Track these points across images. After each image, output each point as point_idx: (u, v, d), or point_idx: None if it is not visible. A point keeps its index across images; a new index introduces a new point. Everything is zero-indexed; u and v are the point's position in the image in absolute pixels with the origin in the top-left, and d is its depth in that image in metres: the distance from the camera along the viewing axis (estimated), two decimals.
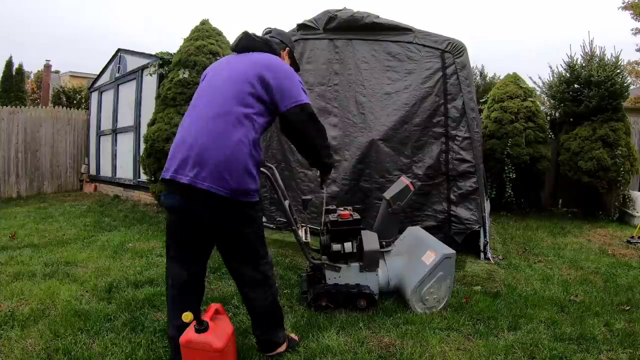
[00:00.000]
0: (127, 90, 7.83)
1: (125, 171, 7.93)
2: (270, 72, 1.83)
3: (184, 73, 5.84)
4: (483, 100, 7.39)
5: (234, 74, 1.85)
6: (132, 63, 7.73)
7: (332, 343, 2.18)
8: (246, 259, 1.92)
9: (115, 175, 8.29)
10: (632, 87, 8.15)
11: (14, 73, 14.35)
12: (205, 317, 1.83)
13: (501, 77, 8.66)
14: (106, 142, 8.65)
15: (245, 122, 1.75)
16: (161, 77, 6.59)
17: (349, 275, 2.68)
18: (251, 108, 1.78)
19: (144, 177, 6.78)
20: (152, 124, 6.13)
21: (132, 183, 7.66)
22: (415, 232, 3.11)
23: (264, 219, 4.63)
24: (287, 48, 2.18)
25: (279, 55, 2.03)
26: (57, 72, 25.52)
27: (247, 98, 1.78)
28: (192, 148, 1.73)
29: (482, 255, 3.78)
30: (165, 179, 1.79)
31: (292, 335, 2.22)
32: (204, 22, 6.42)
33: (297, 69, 2.11)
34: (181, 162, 1.74)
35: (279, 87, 1.81)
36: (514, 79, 6.91)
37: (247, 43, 1.98)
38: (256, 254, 1.93)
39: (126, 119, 7.80)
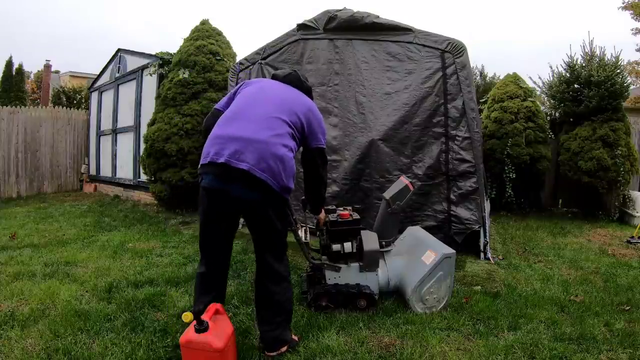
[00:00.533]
0: (127, 90, 7.83)
1: (125, 171, 7.93)
2: (312, 114, 2.15)
3: (184, 73, 5.85)
4: (483, 100, 7.39)
5: (289, 97, 2.14)
6: (132, 63, 7.73)
7: (332, 343, 2.18)
8: (275, 252, 2.09)
9: (115, 175, 8.30)
10: (632, 87, 8.15)
11: (14, 73, 14.37)
12: (205, 317, 1.83)
13: (501, 77, 8.65)
14: (106, 142, 8.65)
15: (290, 139, 2.02)
16: (161, 77, 6.60)
17: (348, 275, 2.68)
18: (293, 130, 2.05)
19: (144, 177, 6.78)
20: (152, 124, 6.14)
21: (132, 183, 7.66)
22: (415, 232, 3.11)
23: None
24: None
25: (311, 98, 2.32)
26: (57, 72, 25.55)
27: (293, 122, 2.05)
28: (250, 142, 1.90)
29: (482, 255, 3.78)
30: (218, 162, 1.90)
31: (293, 335, 2.22)
32: (204, 22, 6.43)
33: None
34: (235, 152, 1.89)
35: (312, 127, 2.13)
36: (514, 79, 6.91)
37: (296, 81, 2.27)
38: (283, 248, 2.13)
39: (126, 119, 7.80)
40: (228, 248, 2.17)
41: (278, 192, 1.94)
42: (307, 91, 2.30)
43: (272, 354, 2.06)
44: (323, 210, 2.58)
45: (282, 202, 2.03)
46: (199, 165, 2.03)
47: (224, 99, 2.27)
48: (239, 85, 2.30)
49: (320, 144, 2.16)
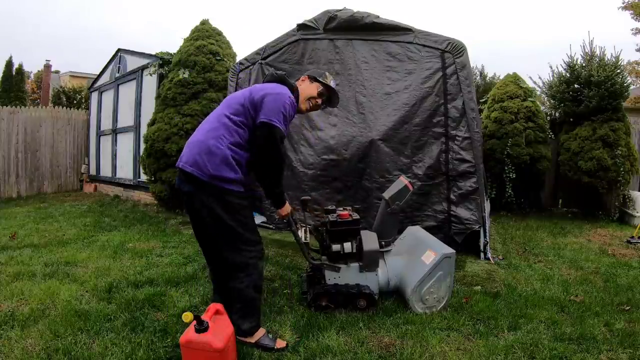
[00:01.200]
0: (127, 90, 7.83)
1: (125, 171, 7.93)
2: (263, 91, 2.16)
3: (184, 73, 5.84)
4: (483, 100, 7.39)
5: (240, 93, 2.24)
6: (132, 63, 7.73)
7: (332, 343, 2.18)
8: (226, 241, 2.12)
9: (115, 175, 8.30)
10: (632, 87, 8.14)
11: (14, 73, 14.37)
12: (205, 317, 1.83)
13: (501, 77, 8.65)
14: (106, 142, 8.65)
15: (226, 130, 2.10)
16: (161, 77, 6.59)
17: (348, 275, 2.68)
18: (233, 119, 2.12)
19: (144, 177, 6.78)
20: (152, 124, 6.14)
21: (132, 183, 7.66)
22: (415, 232, 3.11)
23: (263, 219, 4.64)
24: (306, 75, 2.51)
25: (289, 84, 2.33)
26: (57, 72, 25.55)
27: (235, 111, 2.14)
28: (191, 144, 2.15)
29: (482, 255, 3.78)
30: (179, 166, 2.15)
31: (280, 340, 2.21)
32: (204, 22, 6.43)
33: (329, 91, 2.51)
34: (182, 155, 2.15)
35: (260, 106, 2.11)
36: (514, 79, 6.91)
37: (269, 78, 2.39)
38: (237, 237, 2.12)
39: (126, 119, 7.80)
40: (211, 245, 2.22)
41: (208, 181, 2.03)
42: (280, 79, 2.35)
43: (239, 337, 2.13)
44: (287, 204, 2.30)
45: (220, 191, 2.06)
46: None
47: None
48: None
49: (265, 119, 2.05)
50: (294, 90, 2.35)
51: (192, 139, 2.16)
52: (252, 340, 2.16)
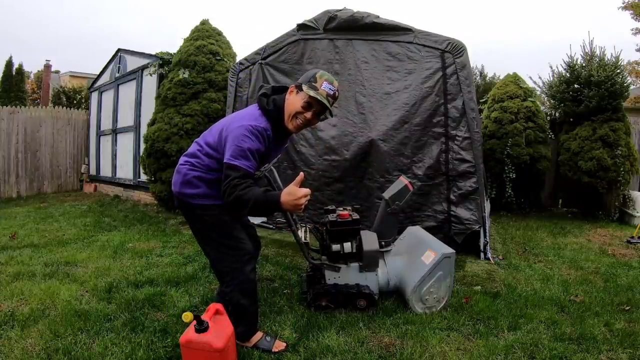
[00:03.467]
0: (127, 90, 7.83)
1: (125, 171, 7.93)
2: (226, 132, 2.02)
3: (184, 73, 5.84)
4: (483, 100, 7.39)
5: (221, 122, 2.19)
6: (132, 63, 7.73)
7: (332, 343, 2.18)
8: (209, 251, 2.17)
9: (115, 175, 8.29)
10: (632, 87, 8.14)
11: (14, 73, 14.38)
12: (205, 317, 1.83)
13: (501, 77, 8.66)
14: (106, 142, 8.65)
15: (194, 156, 2.13)
16: (161, 77, 6.59)
17: (348, 275, 2.68)
18: (202, 148, 2.13)
19: (144, 177, 6.78)
20: (152, 124, 6.13)
21: (132, 183, 7.66)
22: (415, 232, 3.11)
23: (264, 219, 4.64)
24: (292, 86, 2.11)
25: (266, 108, 2.06)
26: (57, 72, 25.55)
27: (206, 142, 2.12)
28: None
29: (482, 255, 3.78)
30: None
31: (279, 342, 2.21)
32: (204, 22, 6.42)
33: (313, 104, 2.05)
34: None
35: (225, 143, 1.99)
36: (514, 79, 6.91)
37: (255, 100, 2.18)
38: (215, 247, 2.13)
39: (126, 119, 7.80)
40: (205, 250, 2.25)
41: (179, 197, 2.14)
42: (268, 102, 2.07)
43: (239, 343, 2.14)
44: (281, 198, 1.85)
45: (189, 206, 2.12)
46: None
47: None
48: None
49: (226, 160, 1.90)
50: (272, 112, 2.05)
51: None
52: (250, 344, 2.18)
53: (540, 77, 9.44)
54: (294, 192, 1.82)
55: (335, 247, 2.65)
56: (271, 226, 4.62)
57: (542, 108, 7.08)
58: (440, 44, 3.90)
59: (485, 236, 3.79)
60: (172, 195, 2.25)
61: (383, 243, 2.86)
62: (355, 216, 2.74)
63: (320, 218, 3.20)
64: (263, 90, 2.13)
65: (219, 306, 1.96)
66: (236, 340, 2.09)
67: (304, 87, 2.02)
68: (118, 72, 8.18)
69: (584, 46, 6.51)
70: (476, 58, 17.68)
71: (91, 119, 9.40)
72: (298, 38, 4.39)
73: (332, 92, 2.05)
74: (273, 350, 2.14)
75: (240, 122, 1.97)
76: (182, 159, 2.18)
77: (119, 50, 8.29)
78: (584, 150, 6.02)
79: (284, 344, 2.20)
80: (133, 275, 3.26)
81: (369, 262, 2.66)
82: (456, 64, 3.84)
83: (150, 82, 6.95)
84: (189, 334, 1.80)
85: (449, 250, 2.63)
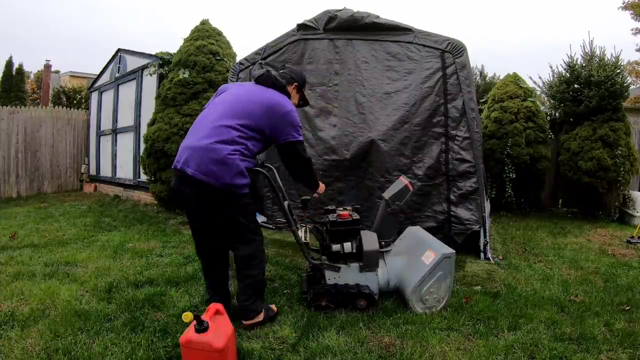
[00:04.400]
0: (127, 90, 7.83)
1: (125, 171, 7.93)
2: (273, 111, 2.33)
3: (184, 73, 5.84)
4: (483, 100, 7.39)
5: (244, 100, 2.35)
6: (132, 63, 7.73)
7: (332, 343, 2.18)
8: (239, 236, 2.34)
9: (115, 175, 8.30)
10: (632, 87, 8.14)
11: (14, 73, 14.39)
12: (205, 317, 1.83)
13: (501, 77, 8.66)
14: (106, 142, 8.65)
15: (237, 142, 2.23)
16: (161, 77, 6.60)
17: (348, 275, 2.68)
18: (244, 132, 2.27)
19: (144, 177, 6.78)
20: (152, 124, 6.14)
21: (132, 183, 7.66)
22: (415, 232, 3.11)
23: (264, 219, 4.64)
24: (296, 83, 2.61)
25: (287, 92, 2.49)
26: (57, 72, 25.54)
27: (244, 125, 2.26)
28: (194, 149, 2.23)
29: (482, 255, 3.78)
30: (177, 168, 2.25)
31: (272, 305, 2.52)
32: (204, 22, 6.43)
33: (305, 103, 2.76)
34: (186, 159, 2.22)
35: (275, 124, 2.33)
36: (514, 79, 6.91)
37: (266, 81, 2.45)
38: (248, 232, 2.34)
39: (126, 119, 7.80)
40: (212, 244, 2.41)
41: (221, 188, 2.18)
42: (281, 88, 2.45)
43: (247, 322, 2.33)
44: (320, 183, 2.74)
45: (231, 196, 2.24)
46: None
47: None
48: (217, 92, 2.57)
49: (288, 139, 2.34)
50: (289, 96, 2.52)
51: (195, 144, 2.22)
52: (260, 317, 2.37)
53: (540, 77, 9.41)
54: (323, 188, 2.79)
55: (336, 247, 2.65)
56: (271, 226, 4.62)
57: (542, 108, 7.08)
58: (440, 44, 3.90)
59: (485, 236, 3.79)
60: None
61: (383, 243, 2.86)
62: (356, 216, 2.74)
63: (320, 218, 3.20)
64: (282, 83, 2.47)
65: (219, 306, 1.96)
66: (250, 320, 2.33)
67: (304, 90, 2.68)
68: (118, 72, 8.19)
69: (584, 46, 6.52)
70: (476, 58, 17.69)
71: (91, 119, 9.40)
72: (298, 38, 4.39)
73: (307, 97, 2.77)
74: (275, 311, 2.49)
75: (287, 106, 2.37)
76: (227, 148, 2.17)
77: (119, 50, 8.29)
78: (584, 150, 6.02)
79: (275, 308, 2.53)
80: (133, 275, 3.26)
81: (369, 262, 2.66)
82: (456, 64, 3.84)
83: (150, 82, 6.95)
84: (189, 334, 1.80)
85: (449, 250, 2.63)
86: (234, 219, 2.29)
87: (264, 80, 2.45)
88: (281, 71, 2.64)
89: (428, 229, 3.47)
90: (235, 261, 2.39)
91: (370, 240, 2.70)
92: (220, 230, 2.37)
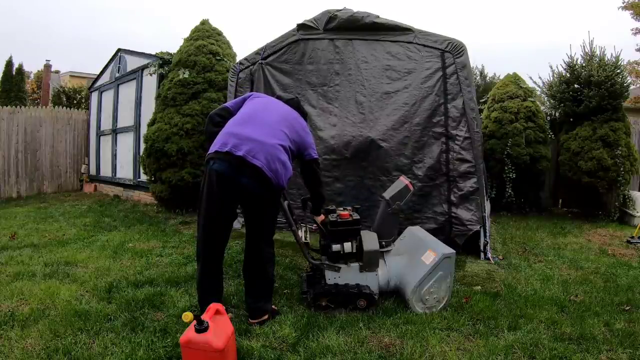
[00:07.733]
0: (127, 90, 7.83)
1: (125, 171, 7.93)
2: (304, 133, 2.58)
3: (184, 73, 5.84)
4: (483, 100, 7.39)
5: (290, 116, 2.56)
6: (132, 63, 7.73)
7: (332, 343, 2.18)
8: (267, 237, 2.47)
9: (115, 175, 8.29)
10: (632, 87, 8.15)
11: (14, 73, 14.36)
12: (205, 317, 1.83)
13: (501, 77, 8.66)
14: (106, 142, 8.65)
15: (287, 149, 2.43)
16: (161, 77, 6.59)
17: (348, 275, 2.68)
18: (290, 142, 2.47)
19: (144, 177, 6.78)
20: (152, 124, 6.14)
21: (132, 183, 7.65)
22: (415, 232, 3.11)
23: None
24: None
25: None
26: (57, 72, 25.53)
27: (291, 136, 2.47)
28: (263, 144, 2.31)
29: (482, 255, 3.78)
30: (235, 154, 2.26)
31: (274, 307, 2.57)
32: (204, 22, 6.43)
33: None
34: (250, 150, 2.27)
35: (304, 144, 2.54)
36: (514, 79, 6.91)
37: (296, 105, 2.69)
38: (272, 234, 2.50)
39: (126, 119, 7.80)
40: (225, 235, 2.42)
41: (276, 188, 2.34)
42: (304, 115, 2.72)
43: (255, 320, 2.41)
44: (322, 212, 2.85)
45: (278, 195, 2.45)
46: (212, 152, 2.32)
47: (233, 102, 2.66)
48: (249, 94, 2.71)
49: (312, 156, 2.57)
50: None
51: (261, 139, 2.31)
52: (266, 316, 2.45)
53: (540, 77, 9.44)
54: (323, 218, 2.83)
55: (336, 247, 2.65)
56: None
57: (542, 108, 7.08)
58: (440, 44, 3.90)
59: (485, 236, 3.79)
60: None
61: (383, 243, 2.86)
62: (356, 216, 2.74)
63: None
64: (297, 100, 2.73)
65: (219, 306, 1.96)
66: (258, 318, 2.41)
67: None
68: (118, 72, 8.18)
69: (584, 46, 6.51)
70: (476, 58, 17.71)
71: (91, 119, 9.40)
72: (298, 38, 4.39)
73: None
74: (276, 310, 2.57)
75: (306, 127, 2.62)
76: (285, 153, 2.37)
77: (119, 50, 8.29)
78: (584, 150, 6.02)
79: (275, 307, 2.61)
80: (133, 275, 3.25)
81: (369, 262, 2.66)
82: (456, 64, 3.84)
83: (150, 82, 6.95)
84: (189, 334, 1.80)
85: (449, 250, 2.63)
86: (267, 217, 2.42)
87: (294, 104, 2.68)
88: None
89: (429, 231, 3.46)
90: (255, 261, 2.44)
91: (370, 240, 2.70)
92: (230, 228, 2.45)
